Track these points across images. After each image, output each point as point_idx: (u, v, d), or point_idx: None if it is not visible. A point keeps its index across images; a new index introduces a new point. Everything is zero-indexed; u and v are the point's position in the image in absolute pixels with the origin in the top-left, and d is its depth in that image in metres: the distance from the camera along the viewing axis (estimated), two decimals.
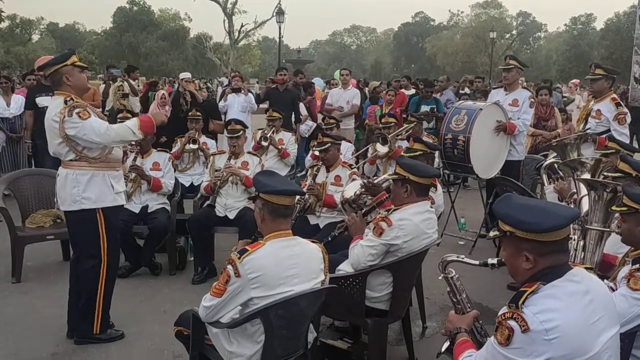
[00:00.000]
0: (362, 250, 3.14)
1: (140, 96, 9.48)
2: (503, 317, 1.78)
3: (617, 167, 3.42)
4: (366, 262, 3.14)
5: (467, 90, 11.10)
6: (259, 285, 2.46)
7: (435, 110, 8.61)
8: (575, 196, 3.77)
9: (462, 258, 2.25)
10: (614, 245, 3.08)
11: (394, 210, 3.19)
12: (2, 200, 4.84)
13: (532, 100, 5.85)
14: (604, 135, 5.02)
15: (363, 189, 3.82)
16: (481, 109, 5.50)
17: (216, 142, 6.83)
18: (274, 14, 32.74)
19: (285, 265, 2.52)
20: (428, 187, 3.31)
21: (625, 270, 2.52)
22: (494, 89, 7.24)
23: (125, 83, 9.10)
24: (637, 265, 2.48)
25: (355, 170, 5.04)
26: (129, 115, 5.52)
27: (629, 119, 5.32)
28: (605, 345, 1.82)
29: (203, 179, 5.40)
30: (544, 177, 4.66)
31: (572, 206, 3.60)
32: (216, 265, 4.94)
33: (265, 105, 7.95)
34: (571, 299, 1.79)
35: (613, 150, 4.04)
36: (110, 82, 9.24)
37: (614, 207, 2.83)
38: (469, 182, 8.69)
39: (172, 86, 13.05)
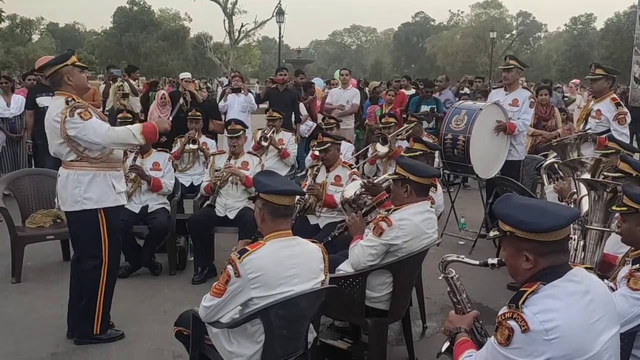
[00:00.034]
0: (362, 250, 3.14)
1: (141, 96, 9.47)
2: (503, 317, 1.78)
3: (617, 167, 3.42)
4: (366, 262, 3.14)
5: (467, 90, 11.10)
6: (259, 285, 2.46)
7: (435, 110, 8.60)
8: (575, 196, 3.77)
9: (462, 258, 2.25)
10: (614, 245, 3.08)
11: (394, 210, 3.19)
12: (2, 200, 4.84)
13: (532, 100, 5.85)
14: (604, 135, 5.02)
15: (363, 189, 3.82)
16: (481, 109, 5.50)
17: (216, 142, 6.82)
18: (274, 14, 32.77)
19: (285, 265, 2.52)
20: (428, 187, 3.31)
21: (625, 270, 2.52)
22: (494, 89, 7.24)
23: (126, 83, 9.09)
24: (637, 265, 2.48)
25: (355, 170, 5.04)
26: (129, 115, 5.55)
27: (629, 119, 5.32)
28: (606, 345, 1.82)
29: (203, 179, 5.40)
30: (544, 177, 4.66)
31: (572, 206, 3.60)
32: (216, 265, 4.94)
33: (265, 105, 7.94)
34: (571, 299, 1.79)
35: (613, 150, 4.04)
36: (111, 82, 9.23)
37: (614, 207, 2.83)
38: (469, 182, 8.70)
39: (173, 86, 13.02)
